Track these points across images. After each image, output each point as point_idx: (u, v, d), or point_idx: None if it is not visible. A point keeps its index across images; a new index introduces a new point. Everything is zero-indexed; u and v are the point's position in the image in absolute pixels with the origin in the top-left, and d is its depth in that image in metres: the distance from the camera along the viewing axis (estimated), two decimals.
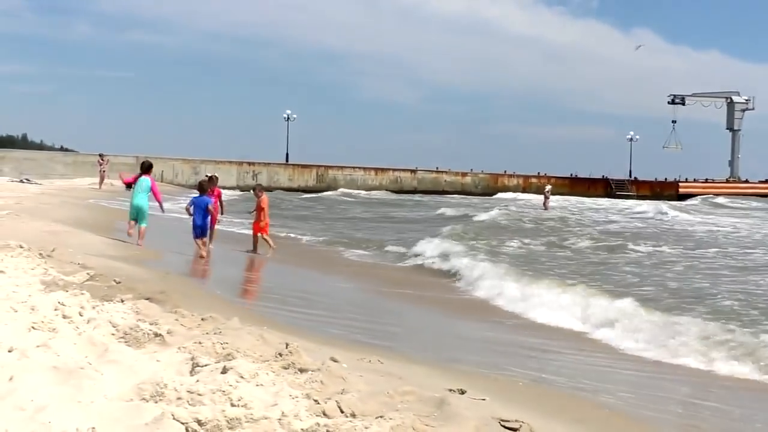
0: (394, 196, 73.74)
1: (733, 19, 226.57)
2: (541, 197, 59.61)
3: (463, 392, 6.30)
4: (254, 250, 19.95)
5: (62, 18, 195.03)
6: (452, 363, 8.79)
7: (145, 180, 18.41)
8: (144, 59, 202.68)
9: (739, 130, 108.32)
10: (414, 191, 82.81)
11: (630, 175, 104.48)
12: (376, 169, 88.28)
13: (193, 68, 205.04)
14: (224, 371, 4.75)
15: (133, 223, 17.95)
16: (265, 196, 20.93)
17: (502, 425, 5.31)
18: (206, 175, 18.59)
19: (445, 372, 7.75)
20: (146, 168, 18.74)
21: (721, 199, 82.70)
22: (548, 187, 61.13)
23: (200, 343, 5.61)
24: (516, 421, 5.41)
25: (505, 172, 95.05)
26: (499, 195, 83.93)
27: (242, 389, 4.44)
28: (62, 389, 4.34)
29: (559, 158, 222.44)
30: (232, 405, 4.22)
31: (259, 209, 20.37)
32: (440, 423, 4.70)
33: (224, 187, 69.83)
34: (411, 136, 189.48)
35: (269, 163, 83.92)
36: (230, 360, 5.08)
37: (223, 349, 5.54)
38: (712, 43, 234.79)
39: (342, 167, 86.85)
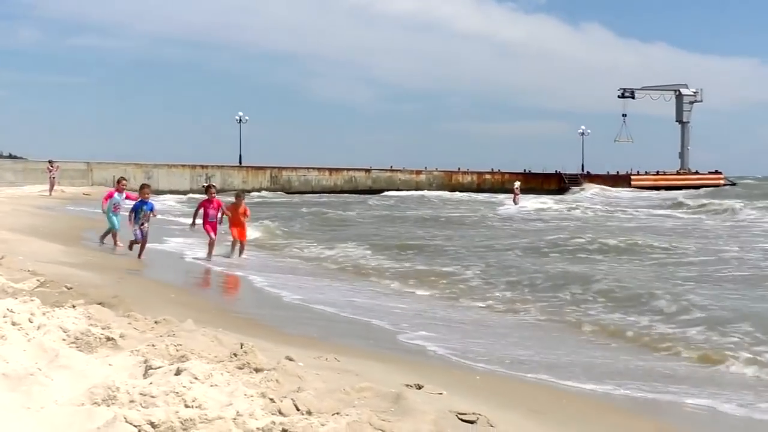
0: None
1: (679, 11, 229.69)
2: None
3: (420, 387, 6.30)
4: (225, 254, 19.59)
5: (6, 24, 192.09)
6: (410, 356, 8.80)
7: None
8: (94, 64, 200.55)
9: (688, 122, 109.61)
10: (369, 190, 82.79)
11: (583, 169, 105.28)
12: (331, 169, 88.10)
13: (144, 72, 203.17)
14: (178, 373, 4.69)
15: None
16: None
17: (459, 418, 5.32)
18: (203, 184, 19.11)
19: (402, 367, 7.75)
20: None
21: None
22: (517, 184, 62.85)
23: (153, 345, 5.54)
24: (473, 413, 5.43)
25: (459, 169, 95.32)
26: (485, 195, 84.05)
27: (196, 390, 4.40)
28: (12, 396, 4.27)
29: (513, 154, 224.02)
30: (186, 406, 4.17)
31: (243, 215, 20.10)
32: (397, 418, 4.69)
33: (177, 191, 69.39)
34: (365, 136, 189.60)
35: (222, 166, 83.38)
36: (184, 362, 5.02)
37: (177, 351, 5.49)
38: (660, 36, 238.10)
39: (296, 168, 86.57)
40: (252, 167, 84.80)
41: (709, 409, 7.62)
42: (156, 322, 6.91)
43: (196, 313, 9.02)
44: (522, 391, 7.80)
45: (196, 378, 4.58)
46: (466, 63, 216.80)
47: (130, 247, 17.85)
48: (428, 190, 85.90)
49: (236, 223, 19.89)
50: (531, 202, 56.66)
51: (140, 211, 17.86)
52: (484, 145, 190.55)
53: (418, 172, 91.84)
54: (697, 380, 8.83)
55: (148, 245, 17.99)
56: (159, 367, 4.87)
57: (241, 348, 5.70)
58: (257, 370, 5.31)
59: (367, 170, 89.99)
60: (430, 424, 4.60)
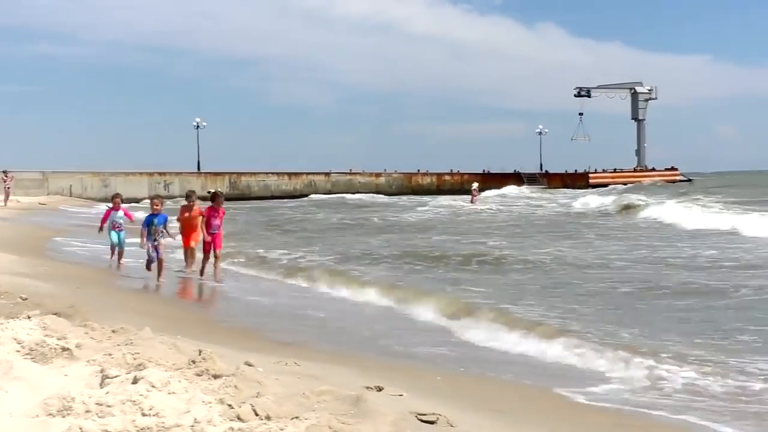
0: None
1: (632, 10, 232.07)
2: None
3: (380, 389, 6.31)
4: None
5: None
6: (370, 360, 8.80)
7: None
8: (49, 71, 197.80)
9: (643, 119, 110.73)
10: (328, 193, 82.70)
11: (541, 168, 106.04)
12: (290, 174, 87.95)
13: (100, 79, 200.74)
14: (135, 381, 4.65)
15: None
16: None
17: (419, 419, 5.33)
18: (208, 191, 17.38)
19: (362, 370, 7.74)
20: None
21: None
22: (475, 185, 63.36)
23: (110, 354, 5.49)
24: (433, 414, 5.44)
25: (418, 171, 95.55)
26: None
27: (153, 398, 4.36)
28: None
29: (472, 155, 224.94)
30: (143, 414, 4.14)
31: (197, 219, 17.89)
32: (357, 420, 4.68)
33: (135, 200, 68.80)
34: (324, 139, 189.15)
35: (181, 173, 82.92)
36: (141, 370, 4.98)
37: (134, 359, 5.44)
38: (614, 35, 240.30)
39: (255, 173, 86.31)
40: (211, 173, 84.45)
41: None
42: (113, 331, 6.85)
43: (155, 322, 8.95)
44: (483, 391, 7.82)
45: (153, 386, 4.55)
46: (423, 64, 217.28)
47: (148, 268, 16.12)
48: (388, 192, 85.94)
49: (189, 228, 17.63)
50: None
51: (152, 225, 16.01)
52: (443, 146, 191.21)
53: (378, 175, 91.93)
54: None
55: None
56: (116, 376, 4.82)
57: (200, 355, 5.66)
58: (216, 377, 5.27)
59: (327, 174, 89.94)
60: (389, 426, 4.60)
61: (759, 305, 12.83)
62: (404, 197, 77.40)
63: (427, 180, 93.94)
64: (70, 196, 72.44)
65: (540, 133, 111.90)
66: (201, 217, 17.31)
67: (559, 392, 7.92)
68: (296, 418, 4.48)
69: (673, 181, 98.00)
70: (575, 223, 35.16)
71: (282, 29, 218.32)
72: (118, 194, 20.85)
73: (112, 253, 19.14)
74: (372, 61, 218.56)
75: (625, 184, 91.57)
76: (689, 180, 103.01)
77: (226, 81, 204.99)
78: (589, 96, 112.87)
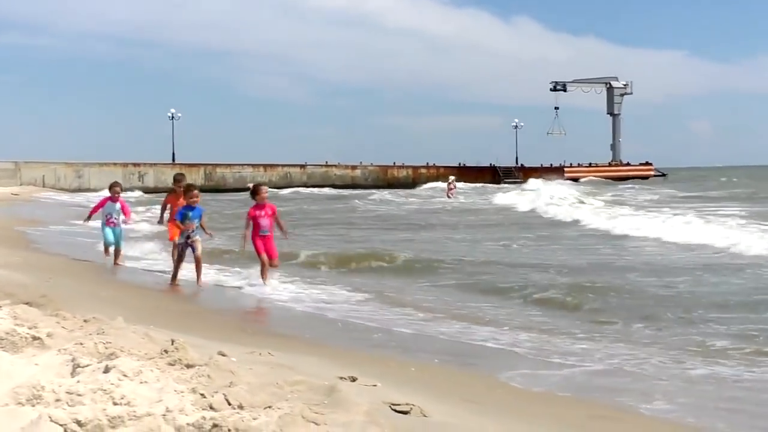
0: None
1: (609, 4, 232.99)
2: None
3: (354, 379, 6.30)
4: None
5: None
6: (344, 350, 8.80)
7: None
8: (21, 62, 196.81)
9: (618, 114, 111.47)
10: (304, 186, 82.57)
11: (517, 162, 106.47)
12: (265, 166, 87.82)
13: (75, 70, 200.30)
14: (106, 370, 4.62)
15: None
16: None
17: (392, 409, 5.33)
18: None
19: (337, 361, 7.73)
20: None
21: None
22: (451, 178, 63.91)
23: (82, 344, 5.44)
24: (407, 404, 5.44)
25: (394, 163, 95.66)
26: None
27: (125, 387, 4.33)
28: None
29: (448, 148, 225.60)
30: (114, 403, 4.11)
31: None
32: (330, 410, 4.67)
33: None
34: (300, 132, 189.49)
35: (155, 164, 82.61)
36: (113, 359, 4.94)
37: (106, 348, 5.39)
38: (590, 30, 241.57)
39: (230, 165, 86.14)
40: (186, 165, 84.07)
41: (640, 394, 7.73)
42: (85, 321, 6.79)
43: (127, 312, 8.88)
44: (456, 381, 7.84)
45: (125, 375, 4.52)
46: (399, 57, 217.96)
47: (178, 264, 14.19)
48: (364, 184, 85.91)
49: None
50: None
51: (186, 219, 14.03)
52: (419, 139, 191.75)
53: (354, 167, 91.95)
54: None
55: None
56: (87, 366, 4.79)
57: (172, 344, 5.63)
58: (189, 366, 5.24)
59: (302, 166, 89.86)
60: (362, 416, 4.59)
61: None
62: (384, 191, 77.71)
63: (403, 173, 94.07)
64: (44, 186, 72.00)
65: (516, 127, 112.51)
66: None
67: (525, 382, 7.95)
68: (269, 407, 4.46)
69: (647, 176, 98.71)
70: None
71: (257, 21, 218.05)
72: (117, 183, 17.93)
73: (107, 251, 17.36)
74: (348, 54, 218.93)
75: (600, 178, 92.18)
76: (664, 175, 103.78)
77: (202, 72, 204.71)
78: (564, 90, 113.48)
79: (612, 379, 8.28)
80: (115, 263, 16.84)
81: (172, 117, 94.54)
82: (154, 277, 15.66)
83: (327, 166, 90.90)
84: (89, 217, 18.02)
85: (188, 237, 13.94)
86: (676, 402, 7.34)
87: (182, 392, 4.49)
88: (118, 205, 17.40)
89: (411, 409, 5.34)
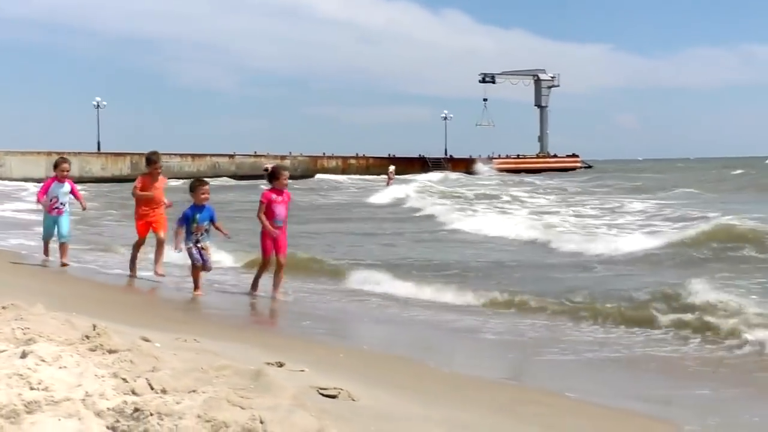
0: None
1: None
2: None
3: (281, 365, 6.22)
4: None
5: None
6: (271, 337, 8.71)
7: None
8: None
9: (546, 106, 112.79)
10: (233, 176, 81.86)
11: (446, 153, 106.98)
12: (193, 155, 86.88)
13: None
14: (24, 356, 4.46)
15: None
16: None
17: (320, 393, 5.27)
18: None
19: (263, 348, 7.64)
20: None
21: None
22: (391, 168, 64.96)
23: None
24: (335, 388, 5.39)
25: (324, 154, 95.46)
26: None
27: (43, 372, 4.19)
28: None
29: (378, 139, 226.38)
30: (31, 388, 3.97)
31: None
32: (256, 394, 4.59)
33: (32, 179, 66.58)
34: (230, 122, 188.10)
35: (80, 153, 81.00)
36: (31, 344, 4.79)
37: (24, 334, 5.22)
38: (518, 23, 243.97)
39: None
40: (111, 154, 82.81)
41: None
42: (3, 308, 6.58)
43: (48, 299, 8.66)
44: (385, 367, 7.81)
45: (42, 360, 4.37)
46: (329, 48, 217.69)
47: (196, 273, 11.91)
48: (293, 175, 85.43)
49: (157, 206, 13.38)
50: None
51: (193, 221, 11.85)
52: (349, 130, 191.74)
53: (283, 158, 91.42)
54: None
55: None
56: (2, 351, 4.63)
57: (94, 330, 5.48)
58: (111, 352, 5.11)
59: (231, 156, 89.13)
60: (289, 399, 4.52)
61: None
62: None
63: (333, 163, 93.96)
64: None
65: (445, 118, 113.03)
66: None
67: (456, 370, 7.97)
68: (194, 391, 4.36)
69: (574, 168, 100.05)
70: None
71: (187, 10, 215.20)
72: (65, 158, 14.77)
73: (46, 248, 14.54)
74: (278, 44, 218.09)
75: (527, 171, 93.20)
76: (590, 166, 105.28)
77: (129, 61, 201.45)
78: (493, 82, 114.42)
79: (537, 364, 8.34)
80: (62, 263, 13.81)
81: (98, 105, 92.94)
82: (108, 278, 13.76)
83: (256, 156, 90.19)
84: (40, 200, 14.40)
85: (197, 242, 11.83)
86: None
87: (103, 377, 4.36)
88: (66, 187, 14.17)
89: (339, 393, 5.29)
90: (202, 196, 11.86)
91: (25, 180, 65.89)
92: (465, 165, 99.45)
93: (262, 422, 3.94)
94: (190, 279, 12.11)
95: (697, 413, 6.70)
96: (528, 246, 20.35)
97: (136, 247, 13.39)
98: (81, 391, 4.04)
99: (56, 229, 14.05)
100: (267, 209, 11.81)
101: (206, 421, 3.88)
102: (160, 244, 12.98)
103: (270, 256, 11.83)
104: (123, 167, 79.95)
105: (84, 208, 14.85)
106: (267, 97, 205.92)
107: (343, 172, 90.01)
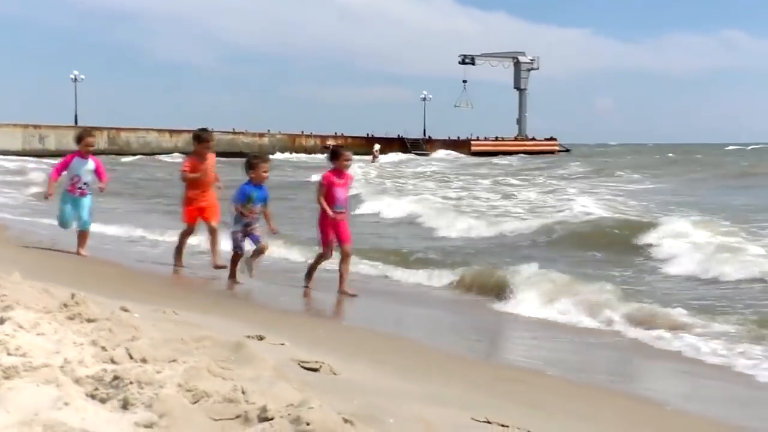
0: None
1: None
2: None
3: (261, 338, 6.19)
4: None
5: None
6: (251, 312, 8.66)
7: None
8: None
9: (525, 89, 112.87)
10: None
11: (425, 134, 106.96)
12: (171, 131, 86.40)
13: None
14: (1, 322, 4.39)
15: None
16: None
17: (301, 366, 5.24)
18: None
19: (243, 322, 7.59)
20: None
21: None
22: (377, 147, 65.61)
23: None
24: (316, 362, 5.36)
25: (302, 132, 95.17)
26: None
27: (21, 339, 4.11)
28: None
29: (357, 118, 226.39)
30: (9, 354, 3.90)
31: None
32: (237, 366, 4.54)
33: (8, 152, 65.85)
34: (207, 98, 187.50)
35: (57, 126, 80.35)
36: (8, 311, 4.71)
37: (1, 302, 5.14)
38: (499, 5, 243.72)
39: (135, 129, 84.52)
40: (88, 128, 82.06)
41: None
42: None
43: (26, 269, 8.57)
44: (366, 343, 7.79)
45: (20, 326, 4.29)
46: (310, 26, 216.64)
47: (235, 261, 10.93)
48: (271, 153, 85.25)
49: (206, 189, 11.87)
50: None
51: (248, 202, 10.68)
52: (329, 109, 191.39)
53: (261, 135, 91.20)
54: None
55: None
56: None
57: (72, 298, 5.41)
58: (89, 321, 5.04)
59: None
60: (271, 371, 4.48)
61: None
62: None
63: (311, 142, 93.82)
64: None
65: (424, 99, 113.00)
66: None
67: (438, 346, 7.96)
68: (174, 361, 4.30)
69: (552, 152, 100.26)
70: None
71: None
72: (90, 131, 13.27)
73: (79, 244, 12.23)
74: (257, 21, 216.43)
75: (505, 153, 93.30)
76: (568, 150, 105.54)
77: (107, 34, 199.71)
78: (473, 64, 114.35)
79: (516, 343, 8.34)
80: (79, 252, 12.18)
81: (75, 79, 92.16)
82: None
83: (234, 133, 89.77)
84: (50, 187, 12.29)
85: (248, 225, 10.69)
86: None
87: (82, 345, 4.30)
88: (90, 164, 12.22)
89: (320, 366, 5.26)
90: (264, 174, 10.71)
91: (1, 153, 65.36)
92: (442, 145, 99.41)
93: (243, 392, 3.89)
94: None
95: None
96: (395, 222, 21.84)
97: (184, 235, 11.92)
98: (59, 358, 3.98)
99: (78, 212, 12.12)
100: (327, 193, 10.63)
101: (187, 390, 3.83)
102: (213, 233, 11.54)
103: (330, 244, 10.68)
104: (100, 141, 79.22)
105: (102, 189, 12.43)
106: (245, 74, 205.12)
107: (322, 150, 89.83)
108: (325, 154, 56.67)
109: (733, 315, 9.33)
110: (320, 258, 10.82)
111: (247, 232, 10.63)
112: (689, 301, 10.21)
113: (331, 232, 10.58)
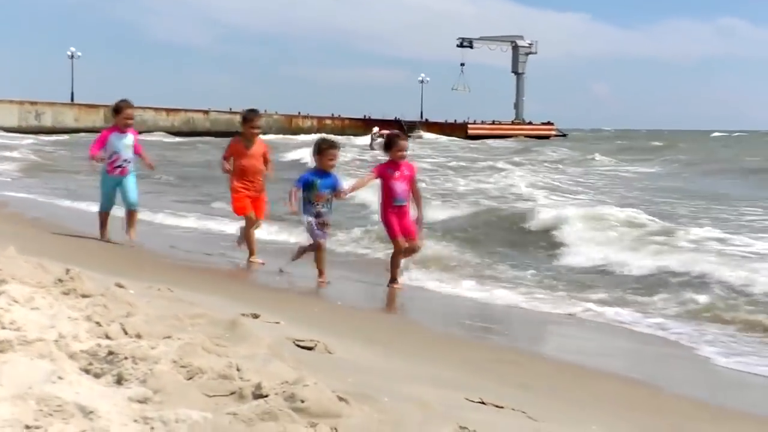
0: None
1: None
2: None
3: (256, 316, 6.19)
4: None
5: None
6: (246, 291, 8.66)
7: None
8: None
9: (523, 73, 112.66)
10: (207, 133, 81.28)
11: (422, 117, 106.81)
12: (168, 110, 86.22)
13: None
14: None
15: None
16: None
17: (296, 345, 5.23)
18: (376, 132, 9.21)
19: (238, 301, 7.59)
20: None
21: None
22: (375, 129, 66.01)
23: None
24: (311, 340, 5.35)
25: (299, 113, 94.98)
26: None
27: (15, 313, 4.11)
28: None
29: (354, 100, 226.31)
30: (3, 328, 3.89)
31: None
32: (232, 343, 4.54)
33: (3, 128, 65.65)
34: (204, 78, 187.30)
35: (54, 103, 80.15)
36: (3, 285, 4.69)
37: None
38: None
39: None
40: (85, 105, 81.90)
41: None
42: None
43: (21, 244, 8.54)
44: (361, 323, 7.79)
45: (15, 300, 4.28)
46: (308, 7, 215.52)
47: (299, 255, 10.29)
48: (267, 132, 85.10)
49: (254, 178, 10.97)
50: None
51: (313, 188, 9.88)
52: (326, 90, 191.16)
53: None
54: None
55: None
56: None
57: (67, 274, 5.40)
58: (84, 296, 5.03)
59: (205, 112, 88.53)
60: (265, 349, 4.47)
61: None
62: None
63: (308, 123, 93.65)
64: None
65: (422, 81, 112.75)
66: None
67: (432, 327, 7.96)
68: (168, 338, 4.29)
69: (548, 136, 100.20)
70: None
71: None
72: (128, 102, 11.70)
73: (104, 225, 11.37)
74: (257, 2, 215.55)
75: (502, 137, 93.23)
76: (564, 135, 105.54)
77: (105, 12, 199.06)
78: (471, 47, 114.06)
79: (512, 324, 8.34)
80: (129, 234, 11.31)
81: (72, 56, 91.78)
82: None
83: (231, 113, 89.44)
84: (94, 156, 11.22)
85: (318, 215, 9.90)
86: None
87: (76, 320, 4.29)
88: (129, 138, 11.25)
89: (315, 345, 5.26)
90: (330, 162, 9.92)
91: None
92: (439, 129, 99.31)
93: (238, 370, 3.88)
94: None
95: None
96: None
97: (248, 227, 10.88)
98: (54, 332, 3.97)
99: (122, 193, 11.27)
100: (383, 187, 9.93)
101: (182, 367, 3.82)
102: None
103: (399, 237, 9.86)
104: (96, 119, 79.00)
105: (151, 167, 11.85)
106: (243, 54, 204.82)
107: (318, 131, 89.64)
108: (372, 141, 56.41)
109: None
110: (396, 254, 9.99)
111: (318, 222, 9.88)
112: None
113: (397, 226, 9.85)
